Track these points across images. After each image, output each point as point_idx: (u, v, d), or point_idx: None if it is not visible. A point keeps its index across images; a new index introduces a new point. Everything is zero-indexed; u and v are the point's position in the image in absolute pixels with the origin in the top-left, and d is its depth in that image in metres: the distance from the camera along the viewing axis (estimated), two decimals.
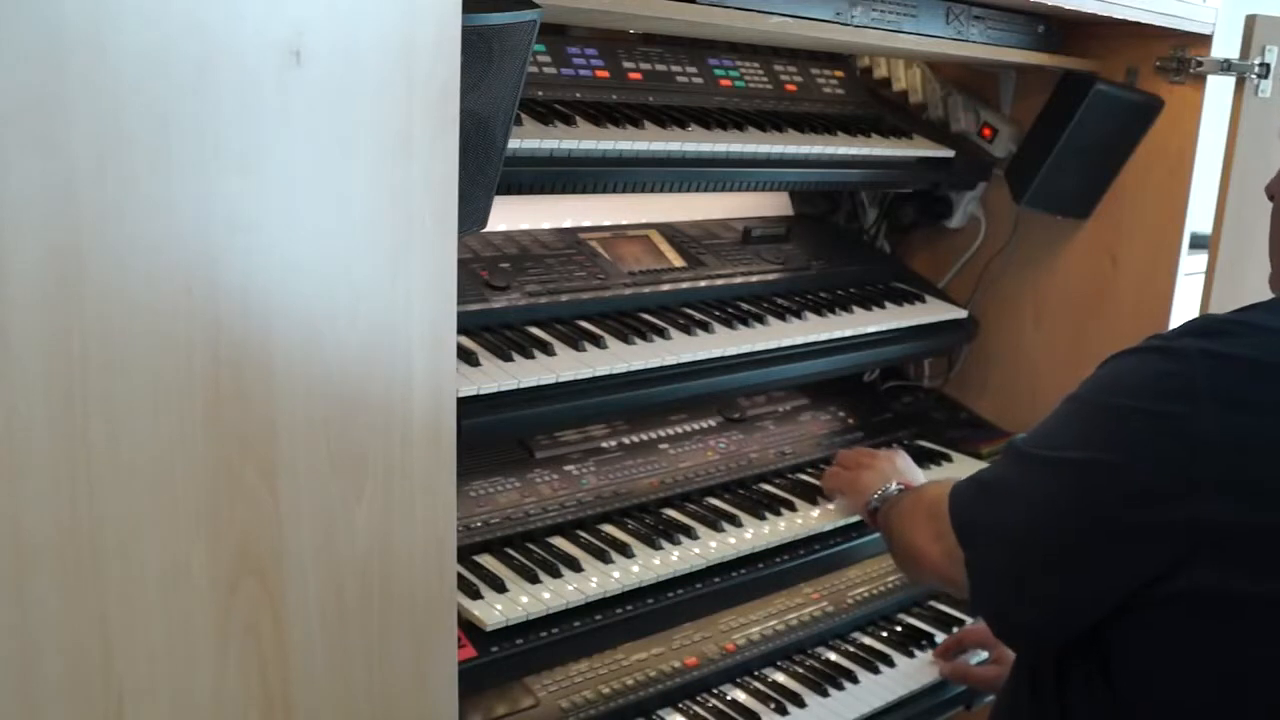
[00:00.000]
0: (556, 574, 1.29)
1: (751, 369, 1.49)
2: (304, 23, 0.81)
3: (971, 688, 1.56)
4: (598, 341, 1.38)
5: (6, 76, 0.69)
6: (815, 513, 1.55)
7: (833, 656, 1.58)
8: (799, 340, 1.56)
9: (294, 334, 0.86)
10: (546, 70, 1.48)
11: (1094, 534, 0.95)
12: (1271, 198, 1.07)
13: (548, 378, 1.27)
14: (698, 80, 1.64)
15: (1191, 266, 1.77)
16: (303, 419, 0.88)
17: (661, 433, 1.64)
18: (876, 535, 1.56)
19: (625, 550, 1.36)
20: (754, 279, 1.69)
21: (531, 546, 1.36)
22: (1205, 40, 1.69)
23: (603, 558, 1.35)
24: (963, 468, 1.79)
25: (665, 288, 1.58)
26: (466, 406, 1.17)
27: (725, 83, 1.67)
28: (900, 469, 1.51)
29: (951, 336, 1.87)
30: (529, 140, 1.28)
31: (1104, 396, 0.98)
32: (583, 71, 1.52)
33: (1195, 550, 0.89)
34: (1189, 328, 0.96)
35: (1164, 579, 0.91)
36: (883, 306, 1.76)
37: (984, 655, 1.59)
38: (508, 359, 1.28)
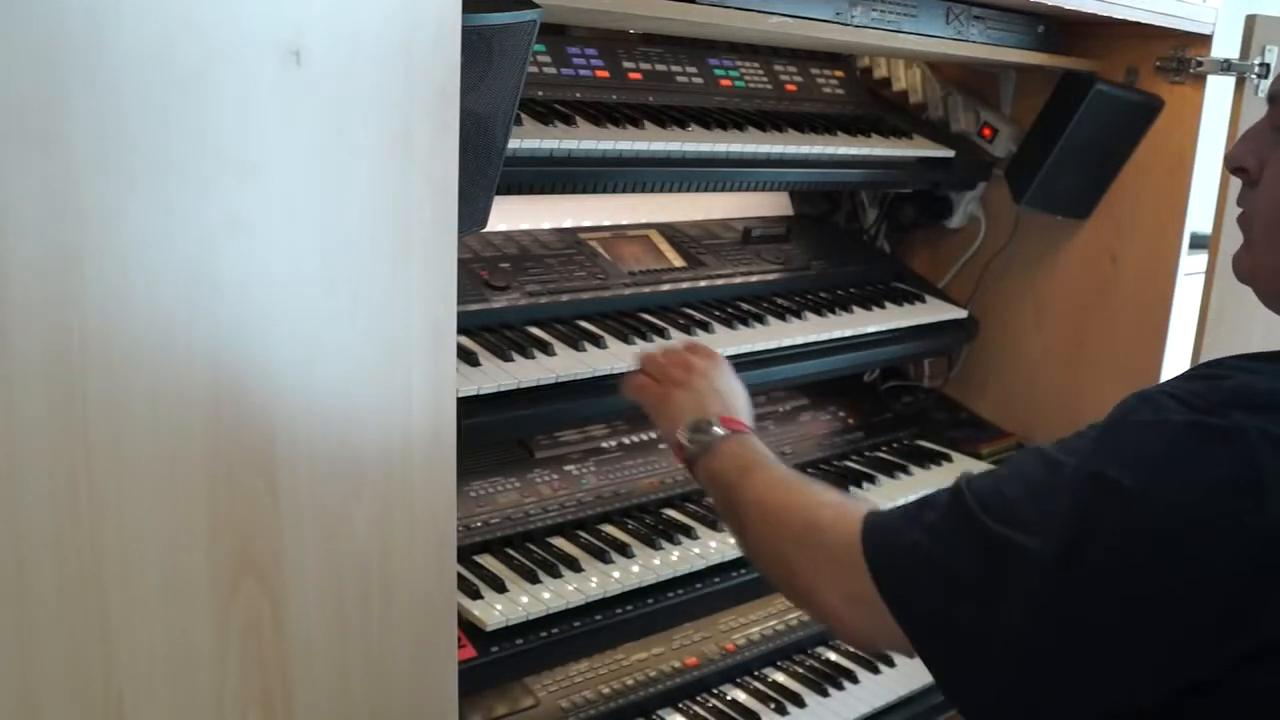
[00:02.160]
0: (556, 574, 1.29)
1: (751, 369, 1.49)
2: (304, 22, 0.81)
3: None
4: (598, 341, 1.38)
5: (6, 76, 0.69)
6: None
7: (833, 656, 1.58)
8: (799, 340, 1.56)
9: (294, 333, 0.86)
10: (546, 70, 1.48)
11: (1118, 654, 0.78)
12: (1236, 172, 0.94)
13: (548, 378, 1.27)
14: (698, 80, 1.64)
15: (1191, 266, 1.77)
16: (302, 419, 0.88)
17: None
18: None
19: (625, 550, 1.36)
20: (754, 279, 1.69)
21: (531, 546, 1.36)
22: (1205, 40, 1.69)
23: (603, 558, 1.35)
24: (962, 467, 1.79)
25: (665, 288, 1.58)
26: (466, 406, 1.17)
27: (725, 83, 1.67)
28: (721, 391, 1.19)
29: (951, 336, 1.87)
30: (529, 140, 1.28)
31: (1152, 486, 0.75)
32: (583, 71, 1.52)
33: (1258, 660, 0.75)
34: (1231, 399, 0.77)
35: (1200, 690, 0.77)
36: (883, 306, 1.76)
37: None
38: (508, 359, 1.28)
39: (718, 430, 1.12)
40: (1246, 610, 0.75)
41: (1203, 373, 0.82)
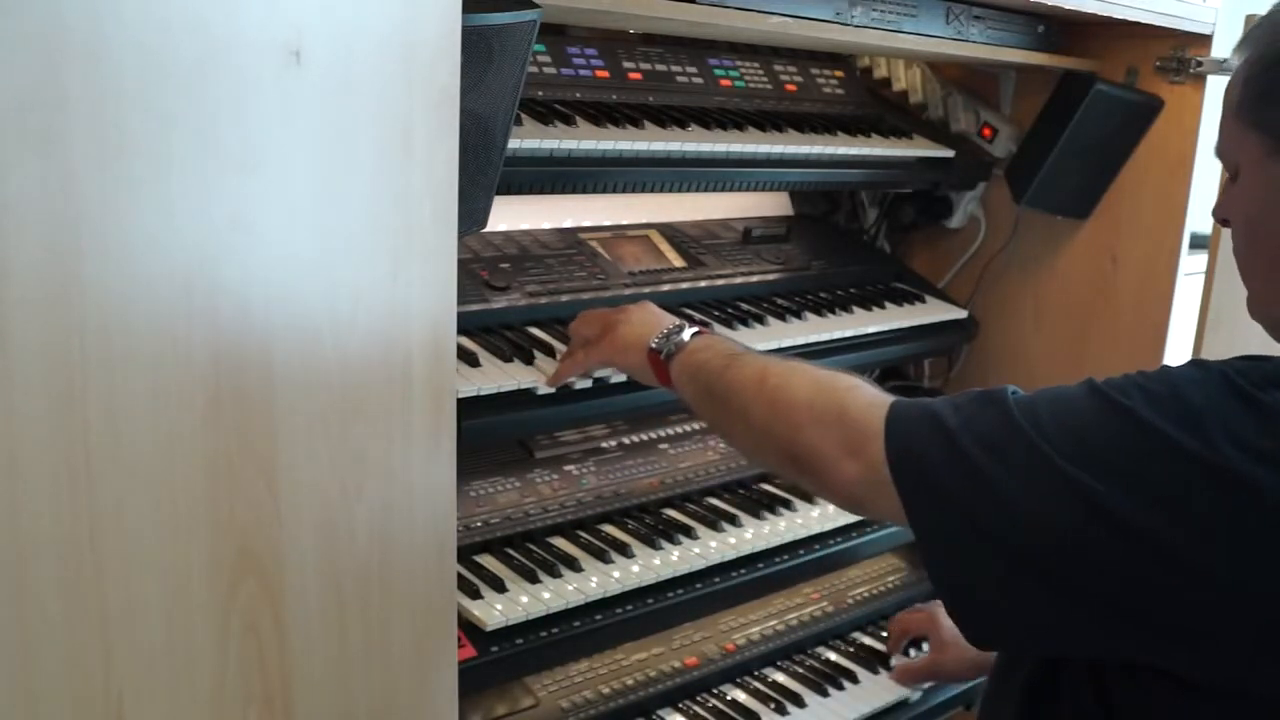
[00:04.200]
0: (556, 574, 1.29)
1: None
2: (304, 23, 0.81)
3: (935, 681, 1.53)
4: None
5: (6, 76, 0.69)
6: (815, 513, 1.55)
7: (833, 656, 1.58)
8: (799, 340, 1.56)
9: (294, 334, 0.86)
10: (546, 70, 1.48)
11: (1115, 598, 0.81)
12: (1223, 223, 0.98)
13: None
14: (698, 80, 1.64)
15: (1191, 266, 1.77)
16: (303, 419, 0.88)
17: (661, 433, 1.64)
18: (877, 535, 1.57)
19: (625, 550, 1.36)
20: (754, 279, 1.69)
21: (531, 546, 1.36)
22: (1205, 40, 1.69)
23: (603, 558, 1.35)
24: None
25: (665, 288, 1.58)
26: (466, 406, 1.17)
27: (725, 83, 1.67)
28: (663, 312, 1.25)
29: (951, 336, 1.87)
30: (529, 140, 1.28)
31: (1180, 433, 0.79)
32: (583, 71, 1.52)
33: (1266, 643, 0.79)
34: (1273, 377, 0.81)
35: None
36: (883, 307, 1.76)
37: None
38: (508, 359, 1.28)
39: (689, 329, 1.17)
40: (1247, 594, 0.77)
41: (1246, 356, 0.86)
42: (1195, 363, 0.86)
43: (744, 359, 1.10)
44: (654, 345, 1.17)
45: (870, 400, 0.96)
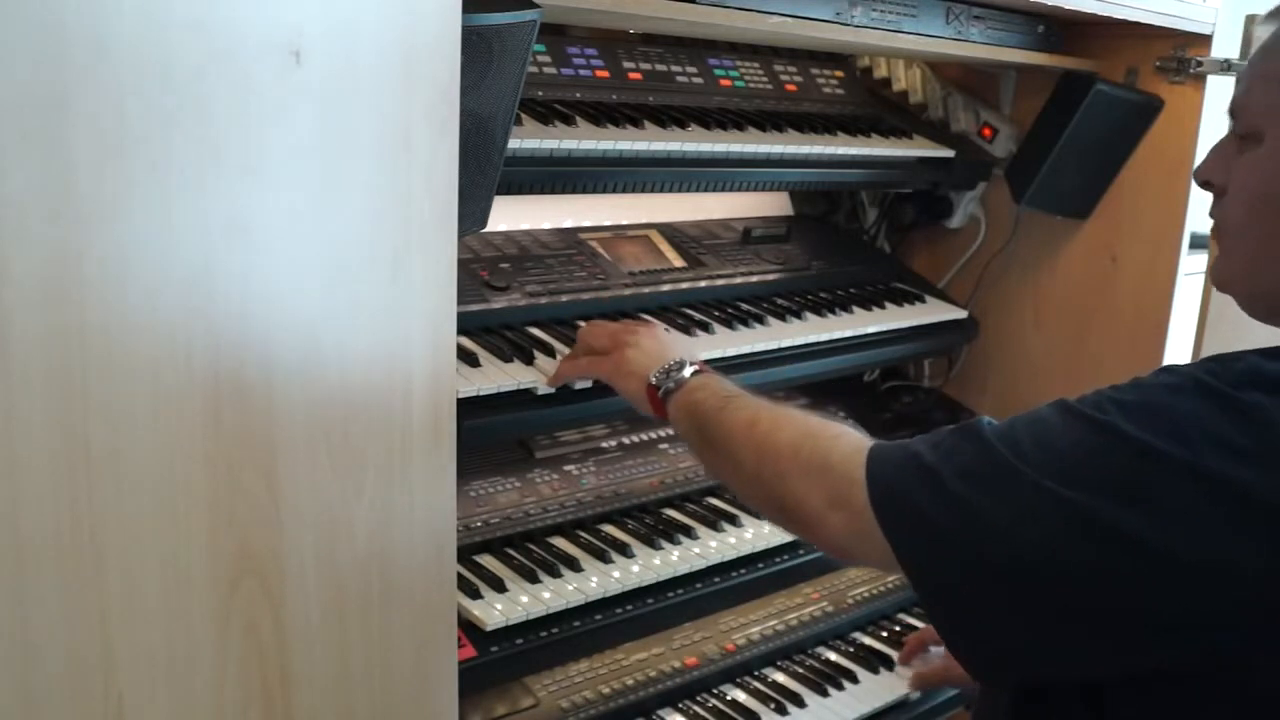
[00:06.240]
0: (556, 574, 1.29)
1: (751, 369, 1.49)
2: (304, 23, 0.81)
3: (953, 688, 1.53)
4: None
5: (6, 76, 0.69)
6: None
7: (833, 656, 1.58)
8: (799, 340, 1.56)
9: (294, 334, 0.86)
10: (546, 70, 1.48)
11: (1119, 611, 0.80)
12: (1205, 185, 0.96)
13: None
14: (698, 80, 1.64)
15: (1191, 266, 1.77)
16: (302, 419, 0.88)
17: (661, 433, 1.64)
18: None
19: (625, 550, 1.36)
20: (754, 279, 1.69)
21: (531, 546, 1.36)
22: (1205, 40, 1.69)
23: (603, 558, 1.35)
24: None
25: (665, 288, 1.58)
26: (466, 406, 1.17)
27: (725, 83, 1.67)
28: (672, 343, 1.27)
29: (951, 336, 1.87)
30: (529, 140, 1.28)
31: (1162, 441, 0.78)
32: (583, 71, 1.52)
33: (1260, 635, 0.78)
34: (1247, 378, 0.80)
35: (1207, 661, 0.80)
36: (883, 307, 1.76)
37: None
38: (508, 360, 1.28)
39: (689, 368, 1.18)
40: (1244, 584, 0.76)
41: (1214, 357, 0.85)
42: (1166, 369, 0.85)
43: (738, 402, 1.10)
44: (653, 381, 1.19)
45: (854, 447, 0.95)
